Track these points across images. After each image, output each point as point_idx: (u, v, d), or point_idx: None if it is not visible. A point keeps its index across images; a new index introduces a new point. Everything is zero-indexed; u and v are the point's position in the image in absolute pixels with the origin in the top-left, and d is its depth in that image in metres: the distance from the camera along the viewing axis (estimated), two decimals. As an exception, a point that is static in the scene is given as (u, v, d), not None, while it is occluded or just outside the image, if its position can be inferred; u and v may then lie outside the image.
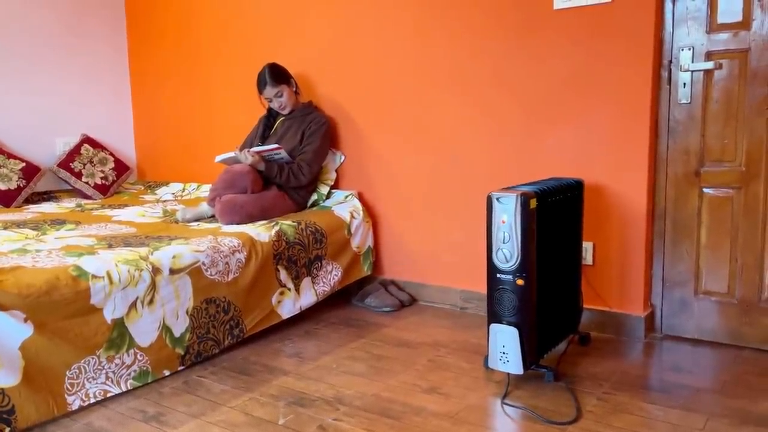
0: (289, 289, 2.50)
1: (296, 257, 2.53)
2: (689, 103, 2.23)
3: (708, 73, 2.19)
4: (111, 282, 1.89)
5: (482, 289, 2.66)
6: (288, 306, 2.49)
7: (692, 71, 2.21)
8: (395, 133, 2.90)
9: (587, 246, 2.40)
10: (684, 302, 2.33)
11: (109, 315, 1.89)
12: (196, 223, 2.70)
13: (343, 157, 3.08)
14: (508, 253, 1.89)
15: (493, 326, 1.95)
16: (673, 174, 2.29)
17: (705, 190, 2.24)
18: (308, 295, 2.59)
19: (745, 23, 2.11)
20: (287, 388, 1.99)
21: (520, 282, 1.89)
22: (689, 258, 2.30)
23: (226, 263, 2.24)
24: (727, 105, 2.17)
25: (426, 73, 2.76)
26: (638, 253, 2.33)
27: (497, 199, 1.90)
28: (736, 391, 1.88)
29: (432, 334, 2.46)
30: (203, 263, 2.16)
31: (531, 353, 1.94)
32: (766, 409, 1.76)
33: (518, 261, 1.88)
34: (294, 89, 2.99)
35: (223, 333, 2.23)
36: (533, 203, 1.88)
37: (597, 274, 2.42)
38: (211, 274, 2.18)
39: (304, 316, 2.63)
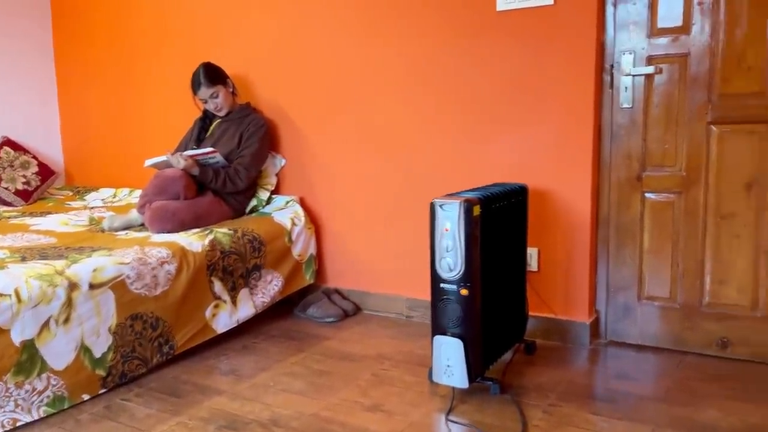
0: (225, 302, 2.36)
1: (232, 267, 2.39)
2: (631, 107, 2.21)
3: (649, 77, 2.18)
4: (19, 300, 1.72)
5: (428, 297, 2.59)
6: (223, 319, 2.35)
7: (633, 75, 2.20)
8: (338, 137, 2.80)
9: (532, 252, 2.36)
10: (628, 308, 2.31)
11: (18, 336, 1.72)
12: (124, 232, 2.53)
13: (283, 161, 2.95)
14: (452, 262, 1.82)
15: (437, 338, 1.87)
16: (616, 178, 2.28)
17: (647, 194, 2.23)
18: (246, 308, 2.46)
19: (685, 28, 2.10)
20: (219, 409, 1.86)
21: (464, 292, 1.82)
22: (632, 263, 2.29)
23: (154, 276, 2.09)
24: (667, 109, 2.16)
25: (370, 74, 2.68)
26: (583, 258, 2.30)
27: (440, 206, 1.82)
28: (680, 399, 1.86)
29: (376, 346, 2.37)
30: (128, 276, 2.01)
31: (476, 365, 1.87)
32: (710, 418, 1.74)
33: (462, 270, 1.81)
34: (231, 90, 2.85)
35: (150, 351, 2.08)
36: (477, 210, 1.81)
37: (542, 280, 2.38)
38: (136, 288, 2.03)
39: (241, 330, 2.49)
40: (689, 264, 2.19)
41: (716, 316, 2.16)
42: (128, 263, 2.03)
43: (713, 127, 2.10)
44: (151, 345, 2.08)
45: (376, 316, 2.75)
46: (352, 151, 2.76)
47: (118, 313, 1.97)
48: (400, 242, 2.69)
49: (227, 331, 2.38)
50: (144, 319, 2.05)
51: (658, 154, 2.20)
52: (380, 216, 2.73)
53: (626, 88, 2.21)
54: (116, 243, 2.25)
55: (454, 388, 1.90)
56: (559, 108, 2.26)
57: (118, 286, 1.98)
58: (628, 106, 2.22)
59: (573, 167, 2.26)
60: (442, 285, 1.85)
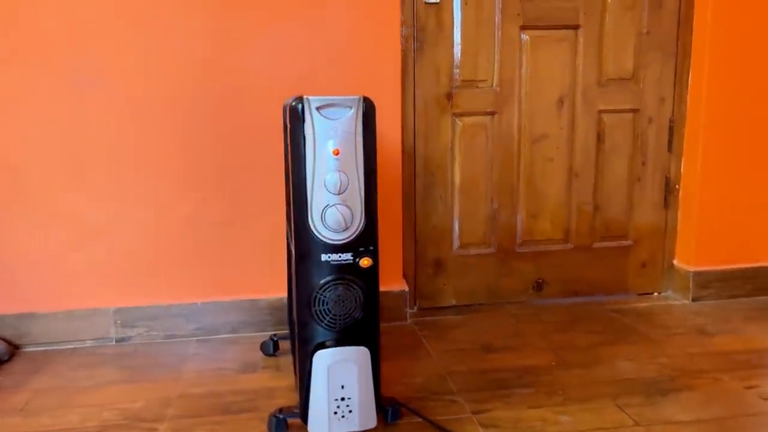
0: None
1: None
2: (438, 2, 1.71)
3: (453, -34, 1.72)
4: None
5: (153, 300, 1.62)
6: None
7: (435, -37, 1.70)
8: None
9: (329, 205, 1.64)
10: (439, 263, 1.84)
11: None
12: None
13: None
14: (348, 212, 1.00)
15: (321, 356, 1.02)
16: (422, 98, 1.75)
17: (458, 117, 1.79)
18: None
19: None
20: None
21: (366, 263, 1.03)
22: (443, 206, 1.82)
23: None
24: (478, 8, 1.74)
25: None
26: (393, 206, 1.71)
27: (318, 109, 0.97)
28: (581, 359, 1.49)
29: (102, 404, 1.28)
30: None
31: (378, 386, 1.10)
32: (649, 370, 1.42)
33: (362, 225, 1.02)
34: None
35: None
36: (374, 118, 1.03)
37: (341, 244, 1.69)
38: None
39: None
40: (504, 199, 1.85)
41: (530, 256, 1.89)
42: None
43: (524, 34, 1.78)
44: None
45: (59, 351, 1.57)
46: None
47: None
48: (87, 217, 1.57)
49: None
50: None
51: (469, 66, 1.76)
52: (47, 174, 1.54)
53: (432, -24, 1.70)
54: None
55: (349, 437, 1.08)
56: (355, -5, 1.59)
57: None
58: (434, 0, 1.71)
59: (377, 80, 1.64)
60: (325, 257, 1.01)
